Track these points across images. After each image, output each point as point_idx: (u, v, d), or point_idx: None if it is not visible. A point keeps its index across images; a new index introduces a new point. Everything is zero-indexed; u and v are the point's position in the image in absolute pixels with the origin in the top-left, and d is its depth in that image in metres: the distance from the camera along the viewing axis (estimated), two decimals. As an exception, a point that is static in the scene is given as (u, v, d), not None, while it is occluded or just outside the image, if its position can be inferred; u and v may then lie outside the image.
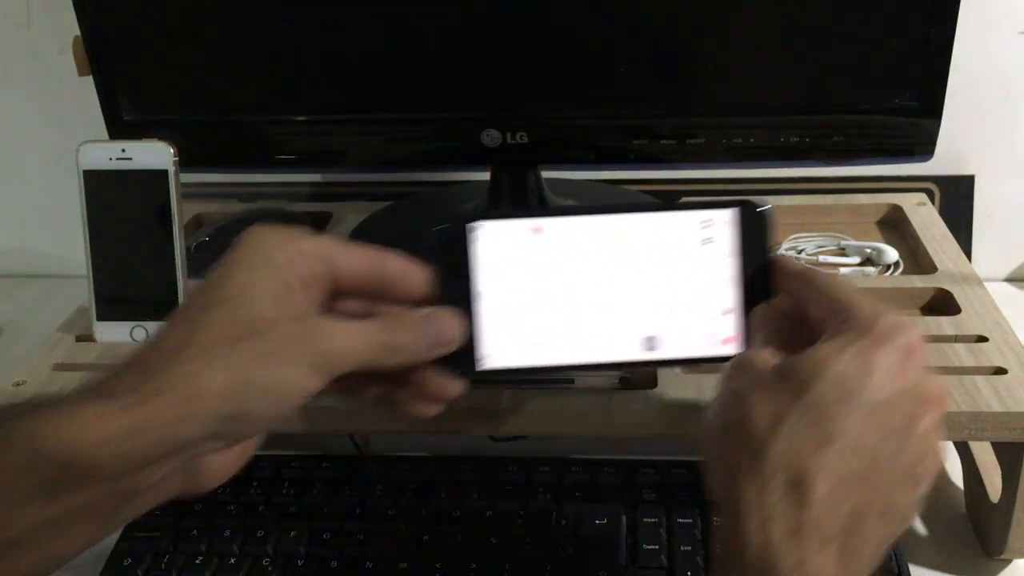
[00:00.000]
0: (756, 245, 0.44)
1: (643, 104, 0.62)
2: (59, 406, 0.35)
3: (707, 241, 0.44)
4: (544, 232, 0.44)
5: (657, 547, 0.52)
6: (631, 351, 0.45)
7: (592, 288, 0.44)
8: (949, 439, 0.61)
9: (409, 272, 0.42)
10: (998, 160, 0.80)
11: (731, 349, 0.44)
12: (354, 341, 0.38)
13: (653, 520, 0.53)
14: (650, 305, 0.44)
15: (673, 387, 0.53)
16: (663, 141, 0.62)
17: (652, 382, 0.54)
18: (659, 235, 0.44)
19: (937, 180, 0.80)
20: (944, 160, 0.69)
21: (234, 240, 0.40)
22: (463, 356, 0.43)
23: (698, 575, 0.50)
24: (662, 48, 0.60)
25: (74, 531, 0.36)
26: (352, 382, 0.41)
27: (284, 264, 0.39)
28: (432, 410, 0.43)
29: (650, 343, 0.45)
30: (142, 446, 0.35)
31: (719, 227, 0.44)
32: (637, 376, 0.54)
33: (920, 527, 0.57)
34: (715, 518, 0.44)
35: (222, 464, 0.40)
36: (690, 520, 0.53)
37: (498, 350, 0.44)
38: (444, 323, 0.41)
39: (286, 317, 0.37)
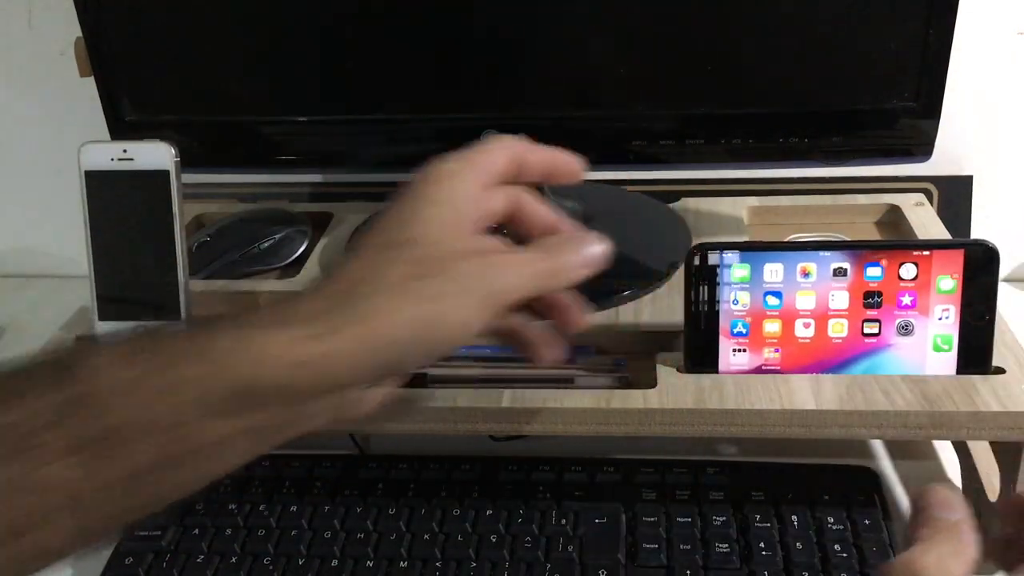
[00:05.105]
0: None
1: (642, 104, 0.62)
2: (243, 326, 0.36)
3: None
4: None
5: (656, 546, 0.52)
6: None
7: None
8: (948, 438, 0.61)
9: (572, 165, 0.46)
10: (996, 160, 0.80)
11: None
12: (523, 273, 0.40)
13: (652, 519, 0.54)
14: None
15: (673, 387, 0.53)
16: (663, 141, 0.62)
17: (652, 382, 0.54)
18: None
19: (935, 180, 0.80)
20: (942, 160, 0.70)
21: (415, 175, 0.41)
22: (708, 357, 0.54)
23: (698, 574, 0.50)
24: (661, 48, 0.60)
25: (234, 452, 0.36)
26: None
27: (463, 197, 0.40)
28: (557, 352, 0.45)
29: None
30: (324, 374, 0.36)
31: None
32: (637, 376, 0.55)
33: (919, 526, 0.57)
34: None
35: (372, 396, 0.42)
36: (689, 519, 0.53)
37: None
38: (595, 241, 0.43)
39: (464, 253, 0.39)
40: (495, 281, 0.39)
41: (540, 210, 0.44)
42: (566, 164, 0.45)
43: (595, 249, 0.43)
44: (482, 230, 0.41)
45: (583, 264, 0.42)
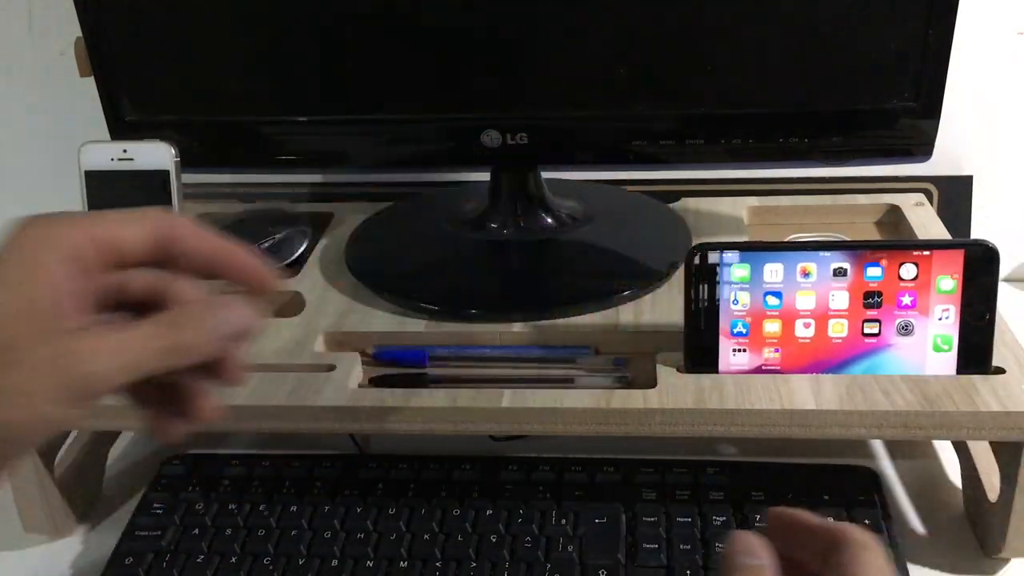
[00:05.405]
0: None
1: (642, 104, 0.62)
2: None
3: None
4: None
5: (656, 546, 0.52)
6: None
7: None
8: (948, 438, 0.61)
9: (258, 273, 0.40)
10: (996, 160, 0.80)
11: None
12: (123, 354, 0.34)
13: (652, 519, 0.54)
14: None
15: (673, 387, 0.53)
16: (663, 141, 0.62)
17: (652, 382, 0.54)
18: None
19: (935, 180, 0.80)
20: (942, 160, 0.70)
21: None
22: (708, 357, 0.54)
23: (697, 574, 0.50)
24: (661, 48, 0.60)
25: None
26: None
27: (48, 272, 0.33)
28: (181, 431, 0.38)
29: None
30: None
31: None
32: (637, 376, 0.55)
33: (919, 527, 0.57)
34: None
35: None
36: (689, 519, 0.53)
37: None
38: (235, 311, 0.37)
39: (37, 340, 0.32)
40: (78, 368, 0.32)
41: (191, 295, 0.38)
42: (246, 267, 0.40)
43: (232, 320, 0.37)
44: (85, 310, 0.35)
45: (214, 338, 0.36)
